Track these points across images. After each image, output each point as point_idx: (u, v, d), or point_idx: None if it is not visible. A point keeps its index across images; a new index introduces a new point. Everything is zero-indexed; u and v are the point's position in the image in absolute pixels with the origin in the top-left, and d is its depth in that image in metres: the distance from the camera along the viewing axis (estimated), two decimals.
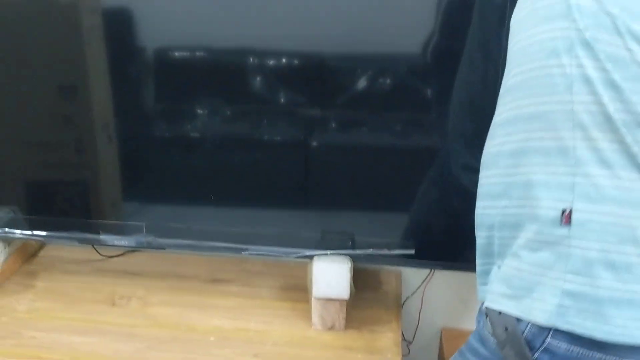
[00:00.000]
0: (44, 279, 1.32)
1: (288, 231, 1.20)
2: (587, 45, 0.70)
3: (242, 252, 1.21)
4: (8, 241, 1.30)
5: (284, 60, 1.13)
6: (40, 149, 1.24)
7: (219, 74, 1.16)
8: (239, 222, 1.22)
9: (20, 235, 1.27)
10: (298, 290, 1.28)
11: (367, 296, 1.28)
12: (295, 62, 1.13)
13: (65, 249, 1.42)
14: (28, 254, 1.39)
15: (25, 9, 1.17)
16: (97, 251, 1.39)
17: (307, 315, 1.19)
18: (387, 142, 1.16)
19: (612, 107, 0.69)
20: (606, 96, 0.69)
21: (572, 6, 0.72)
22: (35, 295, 1.26)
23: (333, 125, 1.16)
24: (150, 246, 1.26)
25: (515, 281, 0.75)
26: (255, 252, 1.21)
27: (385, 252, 1.15)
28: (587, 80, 0.70)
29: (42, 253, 1.42)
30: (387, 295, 1.30)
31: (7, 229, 1.26)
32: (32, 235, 1.27)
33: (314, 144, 1.18)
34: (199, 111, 1.18)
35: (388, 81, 1.11)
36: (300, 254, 1.17)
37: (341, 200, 1.20)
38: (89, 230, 1.26)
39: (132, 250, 1.42)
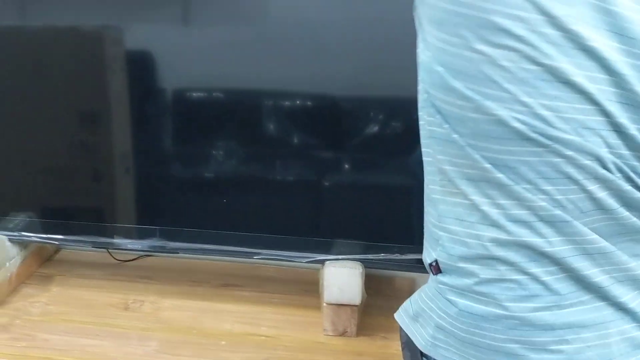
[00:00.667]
0: (58, 283, 1.33)
1: (300, 236, 1.20)
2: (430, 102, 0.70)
3: (254, 257, 1.21)
4: (24, 244, 1.32)
5: (297, 101, 1.17)
6: (58, 175, 1.27)
7: (234, 114, 1.20)
8: (251, 227, 1.22)
9: (36, 239, 1.29)
10: (310, 295, 1.27)
11: (380, 303, 1.26)
12: (309, 103, 1.17)
13: (80, 253, 1.43)
14: (44, 257, 1.41)
15: (50, 38, 1.20)
16: (111, 255, 1.40)
17: (318, 320, 1.18)
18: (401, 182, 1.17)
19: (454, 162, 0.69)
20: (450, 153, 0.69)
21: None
22: (50, 298, 1.27)
23: (346, 166, 1.18)
24: (163, 250, 1.27)
25: (415, 303, 0.80)
26: (267, 256, 1.21)
27: (398, 256, 1.15)
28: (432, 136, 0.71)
29: (57, 257, 1.43)
30: (400, 302, 1.27)
31: (23, 233, 1.28)
32: (48, 238, 1.29)
33: (326, 184, 1.20)
34: (214, 151, 1.21)
35: (400, 123, 1.14)
36: (312, 259, 1.17)
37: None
38: (103, 234, 1.27)
39: (146, 255, 1.43)
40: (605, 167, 0.64)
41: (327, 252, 1.17)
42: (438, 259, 0.73)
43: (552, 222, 0.65)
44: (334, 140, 1.19)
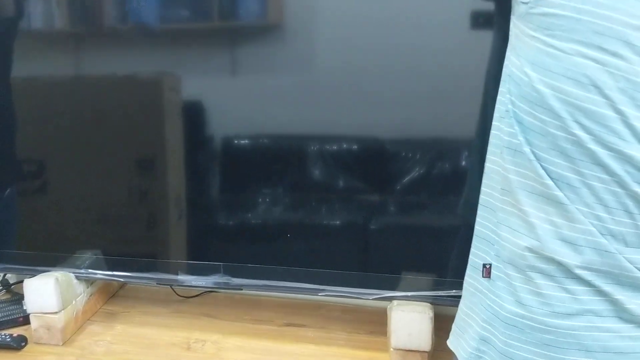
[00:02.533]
0: (122, 320, 1.32)
1: (366, 272, 1.14)
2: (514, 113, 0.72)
3: (319, 293, 1.16)
4: (90, 281, 1.32)
5: (344, 145, 1.17)
6: (121, 214, 1.29)
7: (280, 159, 1.20)
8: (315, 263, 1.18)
9: (102, 276, 1.29)
10: (376, 337, 1.20)
11: None
12: (354, 147, 1.17)
13: (145, 289, 1.43)
14: (109, 294, 1.41)
15: (109, 85, 1.23)
16: (175, 292, 1.38)
17: None
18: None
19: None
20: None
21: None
22: (114, 337, 1.26)
23: (392, 208, 1.15)
24: (227, 286, 1.24)
25: (459, 320, 0.83)
26: (332, 293, 1.15)
27: None
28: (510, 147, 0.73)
29: (122, 292, 1.43)
30: None
31: (89, 270, 1.28)
32: (113, 275, 1.28)
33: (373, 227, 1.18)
34: (261, 198, 1.23)
35: (446, 165, 1.12)
36: (378, 296, 1.10)
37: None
38: (167, 270, 1.26)
39: (209, 291, 1.40)
40: None
41: (395, 288, 1.10)
42: (492, 262, 0.76)
43: (595, 249, 0.67)
44: (384, 183, 1.17)
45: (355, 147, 1.17)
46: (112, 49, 1.23)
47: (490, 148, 0.77)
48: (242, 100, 1.18)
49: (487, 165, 0.78)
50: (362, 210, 1.18)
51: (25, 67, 1.27)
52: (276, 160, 1.20)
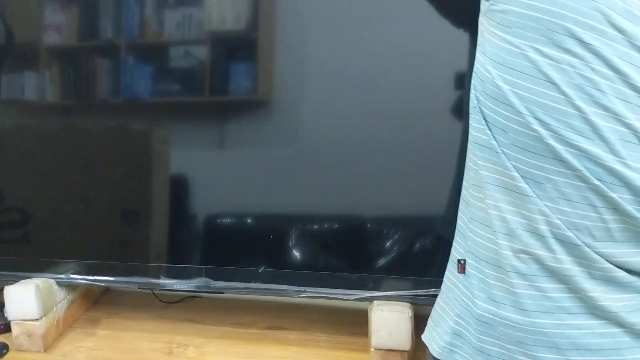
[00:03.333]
0: (104, 327, 1.31)
1: (347, 273, 1.15)
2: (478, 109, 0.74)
3: (300, 295, 1.16)
4: (72, 288, 1.32)
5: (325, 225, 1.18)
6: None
7: (262, 237, 1.21)
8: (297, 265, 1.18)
9: (83, 281, 1.28)
10: (357, 338, 1.20)
11: None
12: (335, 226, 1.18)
13: (126, 295, 1.42)
14: (91, 300, 1.40)
15: (100, 136, 1.25)
16: (157, 298, 1.38)
17: None
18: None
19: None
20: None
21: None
22: (96, 343, 1.25)
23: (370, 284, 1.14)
24: (208, 289, 1.24)
25: (434, 314, 0.84)
26: (314, 294, 1.15)
27: None
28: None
29: (104, 299, 1.43)
30: None
31: (71, 275, 1.28)
32: (94, 280, 1.28)
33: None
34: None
35: (426, 242, 1.12)
36: (358, 296, 1.11)
37: None
38: (149, 274, 1.26)
39: (192, 296, 1.40)
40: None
41: (375, 289, 1.11)
42: (467, 259, 0.77)
43: (563, 242, 0.67)
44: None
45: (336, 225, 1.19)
46: (102, 120, 1.25)
47: (468, 144, 0.78)
48: (228, 174, 1.20)
49: (466, 161, 0.79)
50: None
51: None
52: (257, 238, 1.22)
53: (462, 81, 1.03)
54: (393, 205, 1.13)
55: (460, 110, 1.04)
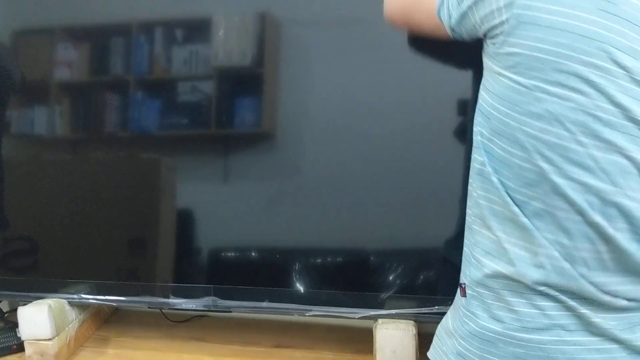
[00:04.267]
0: (115, 346, 1.34)
1: (352, 292, 1.18)
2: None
3: (306, 314, 1.19)
4: (83, 308, 1.35)
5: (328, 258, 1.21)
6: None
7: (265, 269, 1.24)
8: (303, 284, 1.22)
9: (94, 301, 1.32)
10: (362, 355, 1.23)
11: None
12: (339, 259, 1.21)
13: (136, 314, 1.45)
14: (101, 320, 1.43)
15: (110, 165, 1.29)
16: (166, 317, 1.41)
17: None
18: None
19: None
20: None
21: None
22: None
23: (375, 303, 1.16)
24: (216, 308, 1.27)
25: (440, 332, 0.88)
26: (319, 312, 1.18)
27: None
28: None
29: (114, 319, 1.46)
30: None
31: (82, 295, 1.31)
32: (105, 300, 1.31)
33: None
34: None
35: (431, 261, 1.15)
36: (364, 314, 1.14)
37: None
38: (158, 294, 1.29)
39: (200, 315, 1.43)
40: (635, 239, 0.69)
41: (380, 307, 1.14)
42: (467, 282, 0.81)
43: (561, 274, 0.71)
44: None
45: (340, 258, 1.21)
46: (110, 153, 1.29)
47: (470, 175, 0.82)
48: (231, 208, 1.23)
49: (469, 190, 0.82)
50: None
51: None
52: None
53: (464, 109, 1.07)
54: (396, 236, 1.16)
55: (462, 136, 1.08)
